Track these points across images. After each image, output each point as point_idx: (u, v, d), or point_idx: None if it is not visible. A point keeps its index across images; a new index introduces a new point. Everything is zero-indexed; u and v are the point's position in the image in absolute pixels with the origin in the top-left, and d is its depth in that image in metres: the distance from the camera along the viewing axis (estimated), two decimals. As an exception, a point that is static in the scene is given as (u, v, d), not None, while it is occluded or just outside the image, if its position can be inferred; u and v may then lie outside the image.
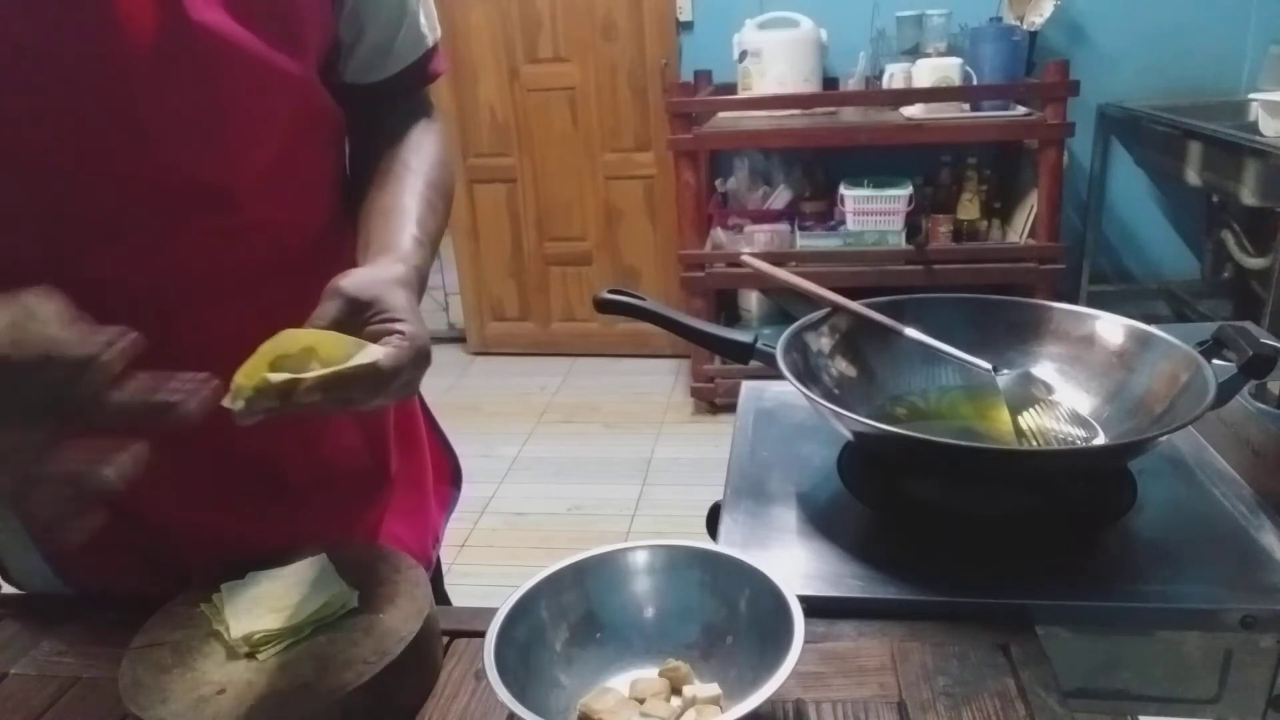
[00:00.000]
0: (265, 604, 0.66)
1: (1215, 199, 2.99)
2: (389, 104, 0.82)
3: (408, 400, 0.95)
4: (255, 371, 0.54)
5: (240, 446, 0.78)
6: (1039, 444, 0.86)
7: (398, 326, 0.59)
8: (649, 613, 0.68)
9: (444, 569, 1.06)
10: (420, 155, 0.80)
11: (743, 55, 3.06)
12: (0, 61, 0.59)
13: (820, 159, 3.24)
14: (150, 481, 0.75)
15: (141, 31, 0.61)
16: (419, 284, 0.68)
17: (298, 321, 0.74)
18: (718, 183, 3.36)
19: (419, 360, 0.59)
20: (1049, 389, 0.91)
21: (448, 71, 0.89)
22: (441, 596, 1.02)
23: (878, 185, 3.00)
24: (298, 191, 0.76)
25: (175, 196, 0.66)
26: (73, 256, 0.65)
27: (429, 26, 0.82)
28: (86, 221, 0.65)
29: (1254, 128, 2.56)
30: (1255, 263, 2.80)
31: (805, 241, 3.08)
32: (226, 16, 0.64)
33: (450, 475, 1.05)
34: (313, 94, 0.73)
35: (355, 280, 0.61)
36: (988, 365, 0.90)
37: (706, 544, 0.72)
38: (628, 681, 0.64)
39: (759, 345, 0.87)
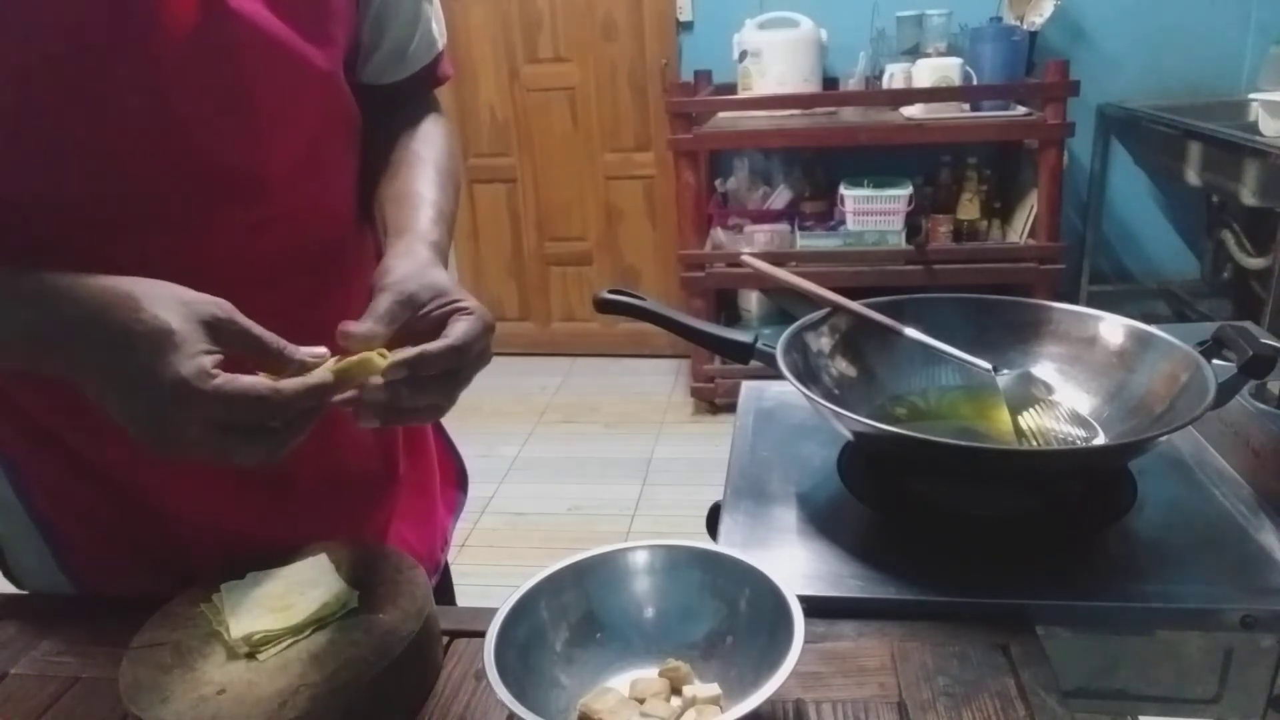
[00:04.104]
0: (265, 604, 0.66)
1: (1215, 199, 2.99)
2: (399, 105, 0.83)
3: None
4: None
5: None
6: (1039, 444, 0.86)
7: (457, 305, 0.63)
8: (649, 613, 0.68)
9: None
10: (429, 145, 0.82)
11: (743, 55, 3.06)
12: (39, 44, 0.59)
13: (820, 159, 3.24)
14: (163, 478, 0.75)
15: (181, 18, 0.62)
16: (442, 259, 0.70)
17: (318, 316, 0.76)
18: (718, 183, 3.36)
19: (488, 328, 0.64)
20: (1049, 389, 0.91)
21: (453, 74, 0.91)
22: (450, 600, 1.02)
23: (878, 185, 3.00)
24: (322, 185, 0.77)
25: (205, 185, 0.67)
26: (102, 245, 0.65)
27: (439, 31, 0.84)
28: (118, 209, 0.66)
29: (1254, 128, 2.55)
30: (1255, 263, 2.80)
31: (805, 241, 3.08)
32: (263, 7, 0.65)
33: (456, 478, 1.05)
34: (339, 90, 0.75)
35: (398, 276, 0.64)
36: (988, 365, 0.90)
37: (706, 544, 0.72)
38: (628, 681, 0.64)
39: (759, 345, 0.87)
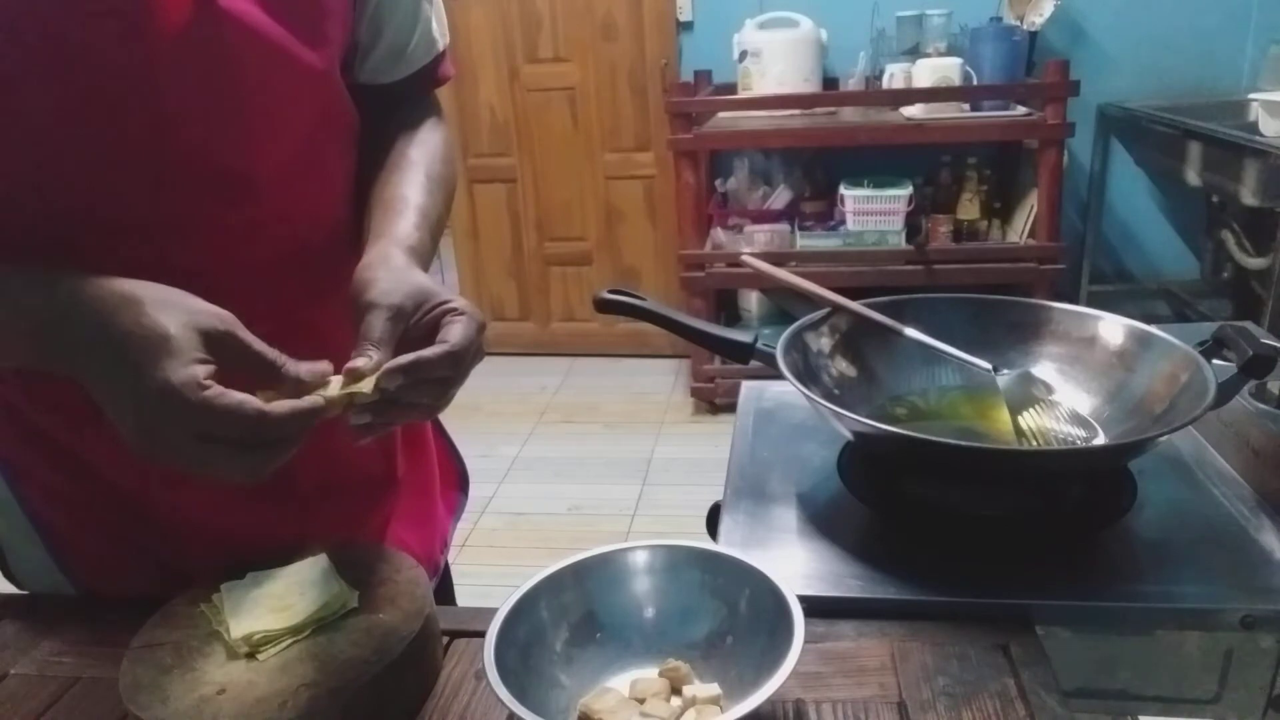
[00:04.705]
0: (265, 604, 0.66)
1: (1215, 199, 2.98)
2: (398, 106, 0.83)
3: None
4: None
5: None
6: (1039, 444, 0.86)
7: (448, 306, 0.63)
8: (649, 613, 0.68)
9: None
10: (422, 150, 0.81)
11: (743, 55, 3.06)
12: (30, 42, 0.59)
13: (820, 159, 3.24)
14: (162, 480, 0.75)
15: (172, 17, 0.62)
16: (420, 262, 0.70)
17: (315, 317, 0.76)
18: (718, 183, 3.36)
19: (481, 327, 0.64)
20: (1049, 389, 0.91)
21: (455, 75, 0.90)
22: (450, 600, 1.02)
23: (878, 185, 3.00)
24: (316, 186, 0.76)
25: (196, 186, 0.67)
26: (96, 248, 0.65)
27: (440, 31, 0.84)
28: (109, 210, 0.66)
29: (1254, 128, 2.55)
30: (1255, 263, 2.80)
31: (805, 241, 3.08)
32: (255, 7, 0.65)
33: (458, 481, 1.05)
34: (333, 90, 0.74)
35: (381, 289, 0.63)
36: (988, 365, 0.90)
37: (706, 544, 0.72)
38: (628, 681, 0.64)
39: (759, 345, 0.87)
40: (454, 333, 0.61)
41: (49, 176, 0.64)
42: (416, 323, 0.63)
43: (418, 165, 0.79)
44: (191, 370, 0.53)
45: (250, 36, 0.65)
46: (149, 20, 0.61)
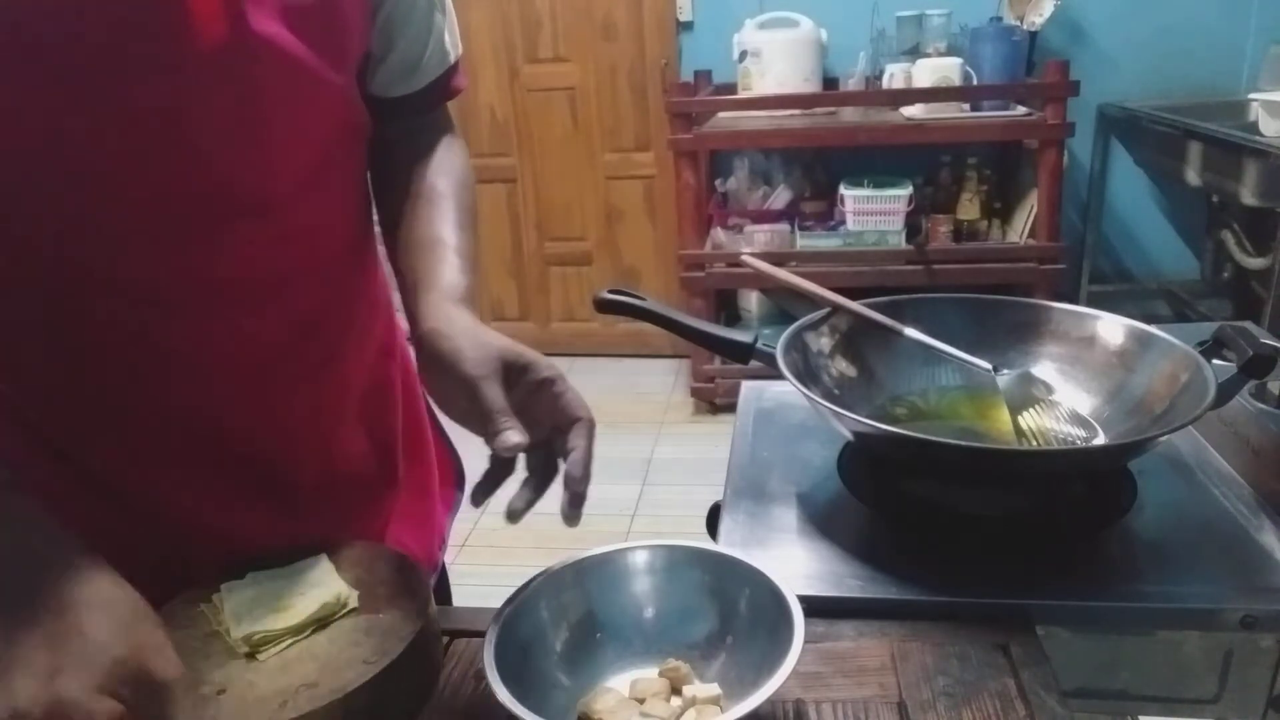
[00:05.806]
0: (265, 604, 0.66)
1: (1215, 199, 2.99)
2: (410, 118, 0.82)
3: (414, 406, 0.95)
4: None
5: (250, 449, 0.78)
6: (1039, 444, 0.86)
7: (541, 376, 0.66)
8: (649, 613, 0.68)
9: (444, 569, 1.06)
10: (447, 178, 0.81)
11: (743, 55, 3.06)
12: (67, 69, 0.59)
13: (820, 159, 3.24)
14: (161, 483, 0.75)
15: (206, 37, 0.61)
16: (475, 309, 0.73)
17: (324, 326, 0.76)
18: (718, 183, 3.36)
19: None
20: (1049, 389, 0.91)
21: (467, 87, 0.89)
22: (446, 599, 1.02)
23: (878, 185, 3.00)
24: (331, 199, 0.76)
25: (213, 201, 0.67)
26: (110, 260, 0.65)
27: (452, 43, 0.83)
28: (126, 224, 0.65)
29: (1254, 128, 2.56)
30: (1255, 263, 2.80)
31: (805, 241, 3.08)
32: (283, 28, 0.65)
33: (454, 478, 1.05)
34: (351, 104, 0.74)
35: (476, 359, 0.65)
36: (988, 365, 0.90)
37: (706, 544, 0.72)
38: (628, 681, 0.64)
39: (759, 345, 0.87)
40: (576, 406, 0.67)
41: (67, 187, 0.63)
42: (512, 386, 0.65)
43: (447, 198, 0.80)
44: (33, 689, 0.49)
45: (279, 58, 0.65)
46: (181, 38, 0.61)
